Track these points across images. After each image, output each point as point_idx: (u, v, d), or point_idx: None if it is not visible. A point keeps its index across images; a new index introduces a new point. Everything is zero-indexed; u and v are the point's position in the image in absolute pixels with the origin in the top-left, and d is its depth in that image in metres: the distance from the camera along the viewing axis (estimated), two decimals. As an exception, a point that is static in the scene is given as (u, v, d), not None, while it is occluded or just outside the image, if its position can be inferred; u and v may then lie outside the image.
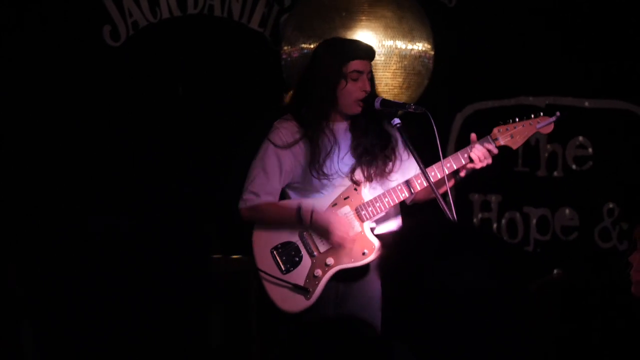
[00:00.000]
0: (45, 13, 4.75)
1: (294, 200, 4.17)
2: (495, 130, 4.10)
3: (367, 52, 4.14)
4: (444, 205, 3.91)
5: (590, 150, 5.71)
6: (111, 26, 4.96)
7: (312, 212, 4.06)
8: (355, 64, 4.07)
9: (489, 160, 4.05)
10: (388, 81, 4.76)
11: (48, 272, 4.57)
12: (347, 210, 4.12)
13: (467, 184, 4.39)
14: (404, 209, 4.28)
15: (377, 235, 4.13)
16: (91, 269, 4.68)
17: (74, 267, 4.66)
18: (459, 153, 4.09)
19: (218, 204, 4.89)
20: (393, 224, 4.20)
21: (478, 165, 4.04)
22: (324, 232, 4.07)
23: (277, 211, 4.13)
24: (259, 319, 4.65)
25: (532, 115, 4.12)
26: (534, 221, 5.73)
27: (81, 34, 4.85)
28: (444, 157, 4.06)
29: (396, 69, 4.80)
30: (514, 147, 4.13)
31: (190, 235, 4.99)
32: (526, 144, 5.66)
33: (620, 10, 5.59)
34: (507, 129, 4.10)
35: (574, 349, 2.85)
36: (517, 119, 4.11)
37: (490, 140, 4.08)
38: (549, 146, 5.73)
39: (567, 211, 5.71)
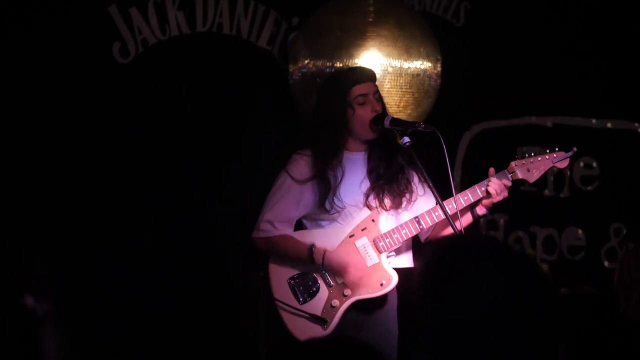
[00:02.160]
0: (56, 30, 4.76)
1: (308, 235, 4.15)
2: (512, 164, 4.13)
3: (367, 75, 4.16)
4: (453, 222, 3.93)
5: (597, 170, 5.72)
6: (121, 43, 4.97)
7: (324, 253, 4.06)
8: (358, 89, 4.09)
9: (505, 194, 4.07)
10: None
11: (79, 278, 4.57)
12: (364, 241, 4.11)
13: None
14: (415, 245, 4.28)
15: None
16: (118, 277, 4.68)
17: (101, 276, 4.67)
18: (476, 186, 4.10)
19: (222, 222, 4.90)
20: (405, 260, 4.20)
21: (495, 199, 4.06)
22: (338, 272, 4.08)
23: (290, 247, 4.11)
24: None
25: (548, 150, 4.15)
26: (541, 241, 5.73)
27: (91, 51, 4.86)
28: (452, 173, 4.08)
29: (390, 88, 4.80)
30: (531, 180, 4.17)
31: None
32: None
33: (628, 30, 5.61)
34: (523, 163, 4.13)
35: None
36: (532, 154, 4.15)
37: (507, 174, 4.10)
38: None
39: (573, 231, 5.71)
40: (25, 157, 4.71)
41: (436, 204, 4.00)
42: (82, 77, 4.81)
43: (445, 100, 5.09)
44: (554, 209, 5.73)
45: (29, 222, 4.64)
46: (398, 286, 4.11)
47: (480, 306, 1.81)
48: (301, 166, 4.14)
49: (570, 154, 4.14)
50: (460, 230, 3.97)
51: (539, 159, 4.15)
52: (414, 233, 4.10)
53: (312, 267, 4.10)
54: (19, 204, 4.62)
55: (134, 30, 5.00)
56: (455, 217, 4.01)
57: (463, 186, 4.15)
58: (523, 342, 1.80)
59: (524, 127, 5.62)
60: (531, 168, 4.14)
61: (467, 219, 4.12)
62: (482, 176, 4.14)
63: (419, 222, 4.07)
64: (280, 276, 4.10)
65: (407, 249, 4.22)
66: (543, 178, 5.67)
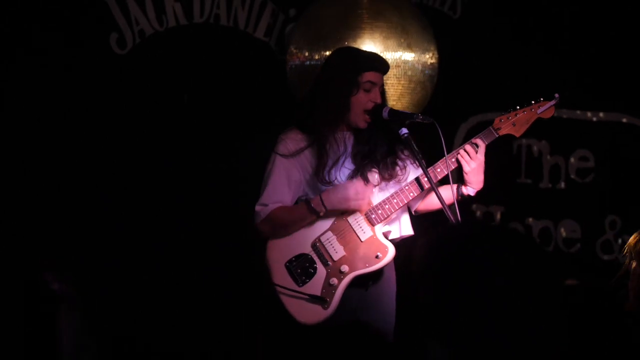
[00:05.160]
0: (53, 20, 4.76)
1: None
2: (496, 120, 4.15)
3: (383, 65, 4.17)
4: (448, 211, 3.94)
5: (592, 162, 5.74)
6: (118, 34, 4.97)
7: (320, 196, 4.06)
8: (370, 75, 4.10)
9: (476, 162, 4.06)
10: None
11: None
12: (357, 216, 4.12)
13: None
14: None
15: (392, 241, 4.15)
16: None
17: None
18: (459, 147, 4.13)
19: (222, 212, 4.91)
20: (405, 228, 4.22)
21: (466, 167, 4.06)
22: (341, 202, 4.05)
23: (289, 213, 4.12)
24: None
25: (533, 102, 4.15)
26: (537, 233, 5.74)
27: (88, 41, 4.86)
28: (449, 164, 4.09)
29: (386, 77, 4.81)
30: (517, 134, 4.17)
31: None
32: (529, 155, 5.75)
33: (624, 23, 5.62)
34: (508, 118, 4.14)
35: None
36: (517, 107, 4.15)
37: (493, 130, 4.12)
38: (551, 158, 5.75)
39: (569, 223, 5.73)
40: (30, 148, 4.71)
41: (425, 176, 4.02)
42: (79, 68, 4.81)
43: (442, 92, 5.10)
44: (550, 201, 5.74)
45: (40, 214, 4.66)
46: (397, 262, 4.12)
47: (487, 293, 1.81)
48: (288, 144, 4.15)
49: (553, 102, 4.14)
50: (454, 203, 4.00)
51: (524, 112, 4.15)
52: (405, 201, 4.10)
53: (309, 243, 4.09)
54: (31, 194, 4.65)
55: (132, 21, 5.00)
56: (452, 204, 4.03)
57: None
58: (530, 326, 1.81)
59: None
60: (516, 122, 4.15)
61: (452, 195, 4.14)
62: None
63: (417, 187, 4.08)
64: (278, 261, 4.11)
65: (403, 218, 4.23)
66: (539, 170, 5.74)
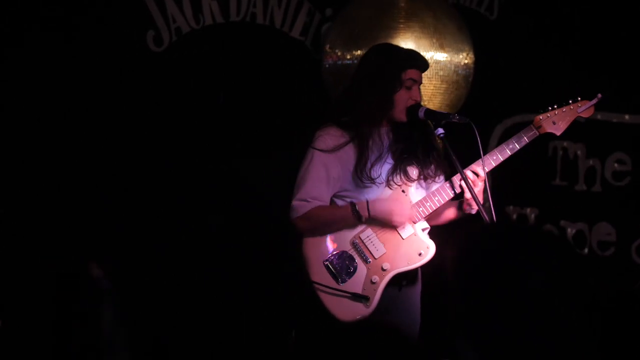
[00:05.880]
0: (91, 16, 4.79)
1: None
2: (536, 118, 4.13)
3: (424, 63, 4.15)
4: (484, 212, 3.93)
5: (629, 165, 5.69)
6: (155, 32, 5.00)
7: (367, 202, 4.04)
8: (412, 73, 4.09)
9: (480, 185, 4.03)
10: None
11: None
12: (408, 199, 4.11)
13: (504, 196, 4.39)
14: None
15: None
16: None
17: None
18: (503, 145, 4.11)
19: (259, 209, 4.91)
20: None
21: (467, 194, 4.02)
22: (386, 215, 4.04)
23: (331, 213, 4.10)
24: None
25: (571, 101, 4.14)
26: (571, 235, 5.71)
27: (125, 39, 4.89)
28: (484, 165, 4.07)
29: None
30: (557, 133, 4.15)
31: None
32: (565, 158, 5.72)
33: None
34: (548, 116, 4.13)
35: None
36: (555, 106, 4.13)
37: (534, 128, 4.10)
38: (587, 160, 5.72)
39: (604, 226, 5.69)
40: (56, 140, 4.74)
41: (460, 178, 4.00)
42: (117, 65, 4.84)
43: (478, 93, 5.08)
44: (585, 204, 5.70)
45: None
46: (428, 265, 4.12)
47: (520, 296, 1.80)
48: (327, 140, 4.11)
49: (594, 101, 4.13)
50: (486, 203, 3.99)
51: (564, 110, 4.14)
52: (447, 198, 4.09)
53: (349, 240, 4.08)
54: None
55: (168, 19, 5.03)
56: (487, 208, 4.01)
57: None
58: (562, 329, 1.80)
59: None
60: (556, 120, 4.13)
61: (451, 212, 4.14)
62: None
63: (451, 187, 4.07)
64: (316, 259, 4.08)
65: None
66: (575, 172, 5.70)
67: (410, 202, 4.09)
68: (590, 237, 5.72)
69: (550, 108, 4.13)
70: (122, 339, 2.11)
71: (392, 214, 4.03)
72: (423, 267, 4.15)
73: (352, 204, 4.05)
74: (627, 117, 5.67)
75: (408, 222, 4.08)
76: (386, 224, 4.07)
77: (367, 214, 4.03)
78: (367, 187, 4.08)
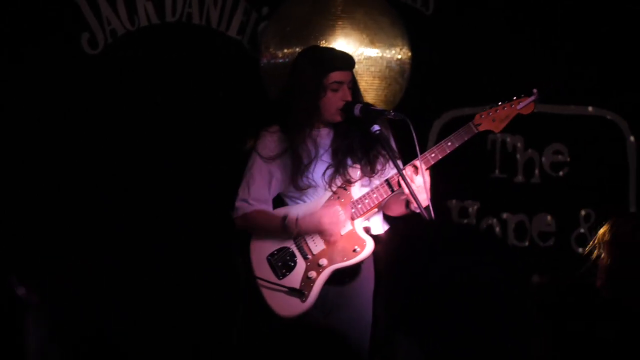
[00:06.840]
0: (24, 20, 4.74)
1: (281, 209, 4.21)
2: (477, 116, 4.18)
3: (347, 62, 4.18)
4: (422, 208, 3.94)
5: (566, 156, 5.76)
6: (89, 34, 4.95)
7: (296, 219, 4.10)
8: (335, 76, 4.11)
9: (417, 180, 4.03)
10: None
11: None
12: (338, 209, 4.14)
13: (445, 190, 4.42)
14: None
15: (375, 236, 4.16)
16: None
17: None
18: (442, 142, 4.12)
19: (197, 208, 4.90)
20: (379, 227, 4.23)
21: (405, 189, 4.02)
22: (315, 229, 4.10)
23: (266, 220, 4.18)
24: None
25: (514, 98, 4.18)
26: (512, 227, 5.76)
27: (59, 42, 4.84)
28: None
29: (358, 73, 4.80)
30: (497, 130, 4.20)
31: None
32: (503, 150, 5.77)
33: (598, 18, 5.64)
34: (489, 114, 4.17)
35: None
36: (499, 103, 4.18)
37: (473, 126, 4.13)
38: (526, 152, 5.77)
39: (544, 217, 5.75)
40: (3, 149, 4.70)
41: (398, 174, 4.01)
42: (50, 68, 4.79)
43: (415, 88, 5.10)
44: (525, 195, 5.76)
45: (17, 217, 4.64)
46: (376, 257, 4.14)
47: (452, 292, 1.81)
48: (268, 142, 4.18)
49: (532, 98, 4.18)
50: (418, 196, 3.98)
51: (504, 108, 4.18)
52: (385, 196, 4.11)
53: (288, 239, 4.13)
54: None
55: (103, 21, 4.99)
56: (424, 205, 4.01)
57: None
58: (500, 328, 1.82)
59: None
60: (496, 118, 4.18)
61: (401, 207, 4.14)
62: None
63: (388, 185, 4.09)
64: (260, 254, 4.16)
65: (379, 215, 4.25)
66: (513, 164, 5.76)
67: (349, 203, 4.10)
68: (531, 228, 5.77)
69: (491, 106, 4.17)
70: (55, 355, 2.08)
71: (321, 225, 4.08)
72: (375, 263, 4.18)
73: (283, 219, 4.11)
74: (563, 109, 5.72)
75: (347, 219, 4.09)
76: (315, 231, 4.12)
77: (294, 230, 4.10)
78: (306, 190, 4.14)
